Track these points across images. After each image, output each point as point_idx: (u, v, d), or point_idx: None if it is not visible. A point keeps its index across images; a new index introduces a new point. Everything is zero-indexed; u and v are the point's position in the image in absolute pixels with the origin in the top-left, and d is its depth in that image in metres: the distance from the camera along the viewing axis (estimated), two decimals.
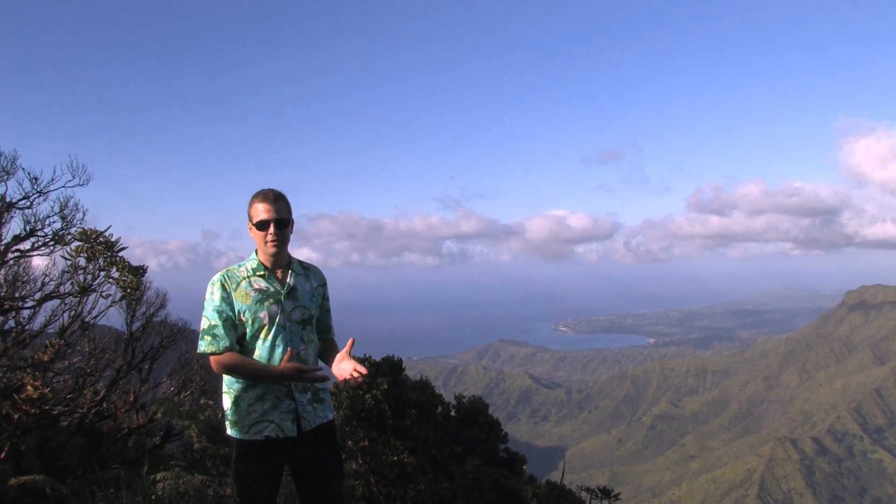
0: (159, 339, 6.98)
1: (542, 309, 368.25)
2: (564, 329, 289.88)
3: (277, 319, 3.15)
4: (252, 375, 3.09)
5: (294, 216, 3.29)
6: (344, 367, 3.12)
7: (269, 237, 3.15)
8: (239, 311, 3.12)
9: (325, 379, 3.13)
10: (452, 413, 11.24)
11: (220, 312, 3.10)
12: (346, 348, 3.19)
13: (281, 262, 3.26)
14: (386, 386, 10.23)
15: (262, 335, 3.13)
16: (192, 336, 7.13)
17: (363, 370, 3.06)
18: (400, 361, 11.32)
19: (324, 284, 3.41)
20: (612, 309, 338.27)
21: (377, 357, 11.20)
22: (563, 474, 10.51)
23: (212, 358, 3.10)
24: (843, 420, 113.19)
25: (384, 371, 10.67)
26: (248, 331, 3.13)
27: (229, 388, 3.16)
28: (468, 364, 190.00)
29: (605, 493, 8.71)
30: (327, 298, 3.43)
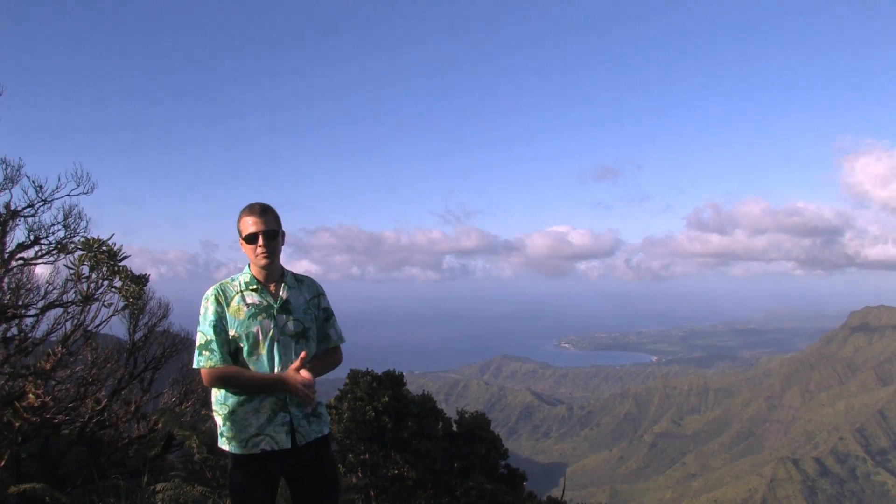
0: (161, 349, 6.99)
1: (544, 325, 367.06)
2: (566, 346, 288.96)
3: (270, 333, 3.13)
4: (247, 385, 3.08)
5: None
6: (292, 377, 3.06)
7: (259, 249, 3.15)
8: (232, 326, 3.12)
9: (312, 402, 3.09)
10: (454, 428, 11.21)
11: (215, 327, 3.11)
12: (296, 363, 3.09)
13: (273, 274, 3.25)
14: (387, 399, 10.22)
15: (255, 350, 3.12)
16: (193, 347, 7.16)
17: (308, 378, 3.04)
18: (401, 375, 11.32)
19: (318, 295, 3.37)
20: (615, 326, 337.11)
21: (378, 371, 11.21)
22: (563, 491, 10.46)
23: (205, 371, 3.09)
24: (846, 441, 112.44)
25: (385, 385, 10.66)
26: (242, 346, 3.12)
27: (223, 403, 3.14)
28: (470, 379, 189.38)
29: None
30: (325, 308, 3.38)
